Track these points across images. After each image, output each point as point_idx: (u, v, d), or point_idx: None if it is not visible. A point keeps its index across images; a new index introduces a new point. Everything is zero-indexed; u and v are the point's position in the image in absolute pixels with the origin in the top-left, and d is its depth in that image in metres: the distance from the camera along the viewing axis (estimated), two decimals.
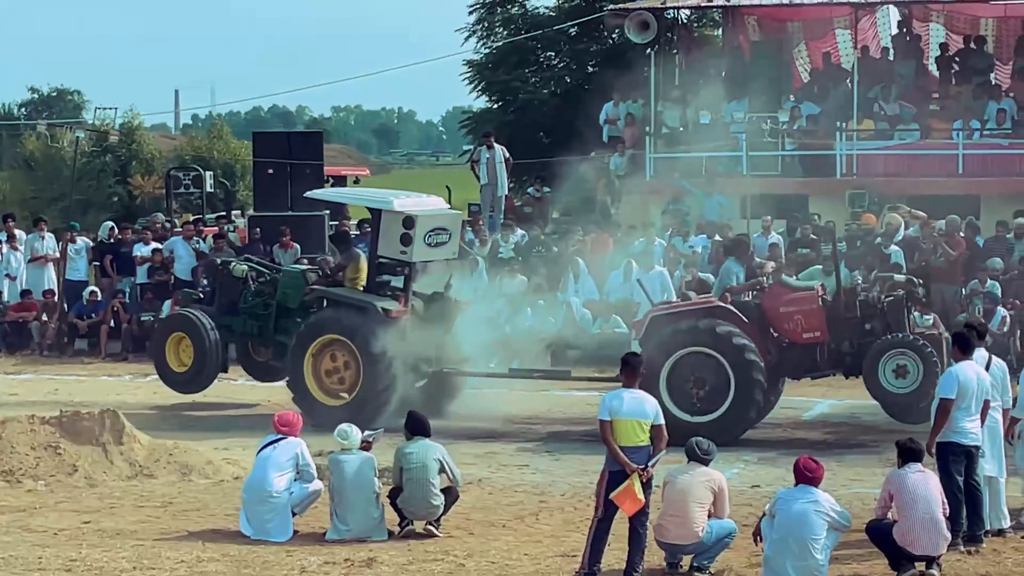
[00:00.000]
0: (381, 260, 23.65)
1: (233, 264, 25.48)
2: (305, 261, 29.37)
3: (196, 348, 24.46)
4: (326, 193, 31.26)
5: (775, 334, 21.90)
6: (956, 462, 15.59)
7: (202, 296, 26.39)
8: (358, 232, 30.94)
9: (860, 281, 22.65)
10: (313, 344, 23.27)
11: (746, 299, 22.12)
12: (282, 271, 25.54)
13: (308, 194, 27.97)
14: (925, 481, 14.72)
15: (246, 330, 24.80)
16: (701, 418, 21.21)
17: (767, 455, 21.00)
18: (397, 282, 23.79)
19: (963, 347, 15.99)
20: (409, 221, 23.11)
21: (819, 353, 21.94)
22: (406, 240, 23.12)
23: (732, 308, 21.78)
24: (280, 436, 16.73)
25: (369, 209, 24.41)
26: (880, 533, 14.78)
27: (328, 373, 23.35)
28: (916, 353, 20.92)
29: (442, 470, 16.40)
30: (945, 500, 14.77)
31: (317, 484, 16.78)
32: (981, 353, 16.33)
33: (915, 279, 22.86)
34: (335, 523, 16.36)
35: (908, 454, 14.89)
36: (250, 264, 25.56)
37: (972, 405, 15.64)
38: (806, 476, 14.19)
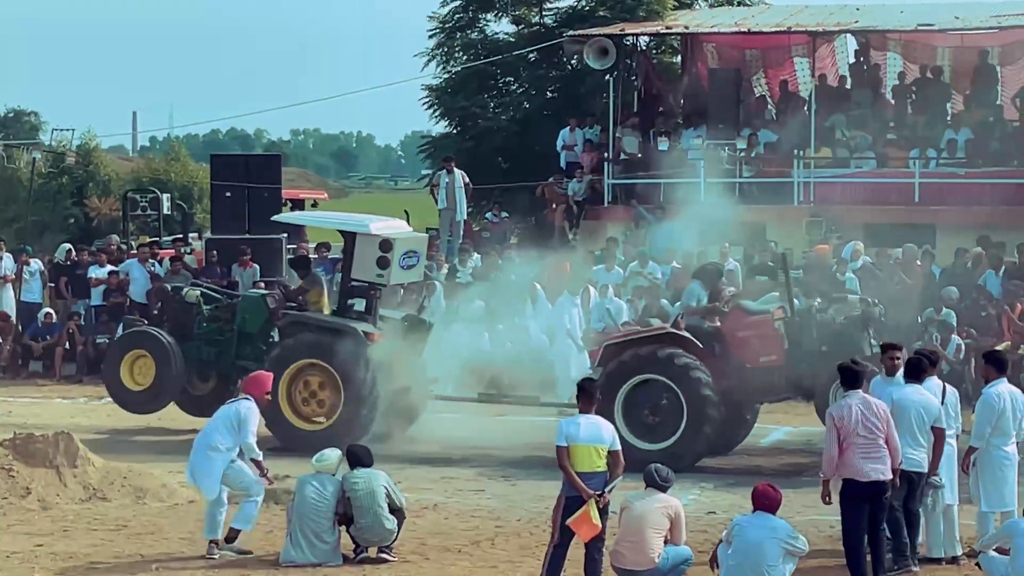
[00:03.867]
0: (353, 283, 23.67)
1: (185, 290, 25.31)
2: (263, 284, 29.34)
3: (159, 367, 24.14)
4: (296, 216, 31.16)
5: (734, 358, 21.93)
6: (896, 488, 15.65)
7: (146, 323, 26.20)
8: (315, 256, 30.92)
9: (816, 304, 22.68)
10: (288, 369, 23.20)
11: (704, 324, 22.16)
12: (241, 296, 25.43)
13: (277, 217, 27.92)
14: (866, 409, 15.00)
15: (201, 356, 24.56)
16: (656, 445, 21.23)
17: (724, 482, 21.02)
18: (359, 305, 23.81)
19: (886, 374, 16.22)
20: (387, 244, 23.22)
21: (776, 377, 22.00)
22: (383, 263, 23.21)
23: (684, 334, 21.82)
24: (244, 397, 16.82)
25: (342, 232, 24.36)
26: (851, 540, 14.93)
27: (303, 398, 23.28)
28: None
29: (388, 495, 16.38)
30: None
31: (259, 493, 16.76)
32: (935, 381, 16.38)
33: (871, 300, 22.92)
34: (289, 546, 16.28)
35: (849, 376, 15.24)
36: (201, 289, 25.44)
37: (906, 432, 15.68)
38: (763, 503, 14.20)
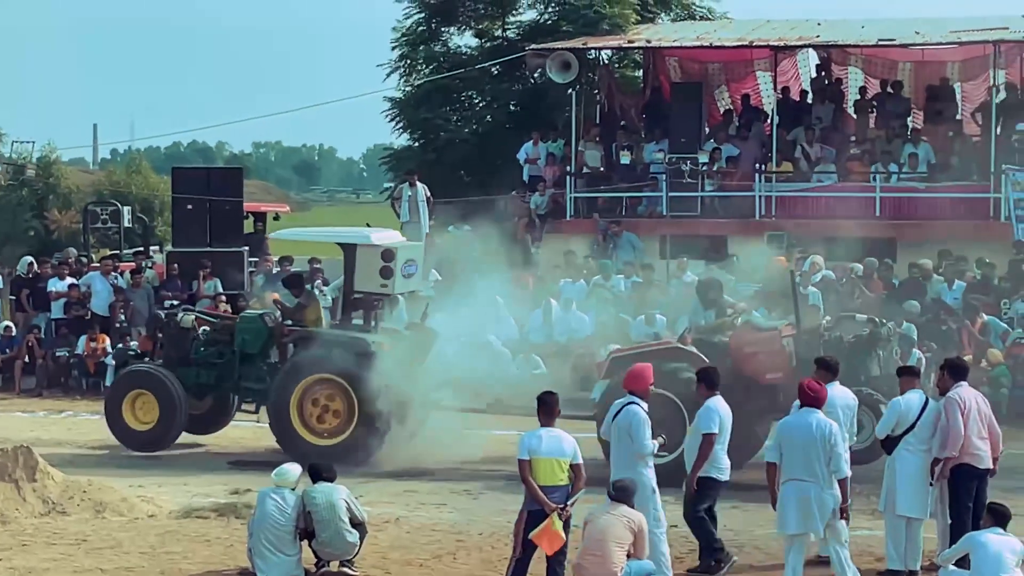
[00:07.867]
0: (356, 295, 23.57)
1: (180, 315, 25.06)
2: (223, 298, 29.19)
3: (163, 405, 23.80)
4: (293, 233, 30.99)
5: (741, 374, 21.72)
6: (708, 497, 16.45)
7: (138, 352, 25.96)
8: (279, 269, 30.85)
9: (824, 322, 22.60)
10: (299, 384, 23.05)
11: (714, 339, 22.01)
12: (239, 317, 25.22)
13: (274, 235, 27.74)
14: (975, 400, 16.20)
15: (201, 381, 24.27)
16: (659, 460, 21.09)
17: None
18: (357, 318, 23.75)
19: (708, 384, 16.61)
20: (389, 254, 23.18)
21: (782, 394, 21.77)
22: (386, 273, 23.14)
23: (691, 349, 21.67)
24: (629, 400, 16.10)
25: (342, 245, 24.19)
26: None
27: (316, 414, 23.09)
28: (871, 409, 20.73)
29: (348, 509, 16.32)
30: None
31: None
32: (919, 393, 16.47)
33: (878, 319, 22.86)
34: (251, 560, 16.20)
35: (957, 370, 16.43)
36: (196, 313, 25.27)
37: (727, 440, 16.33)
38: (809, 397, 15.42)
